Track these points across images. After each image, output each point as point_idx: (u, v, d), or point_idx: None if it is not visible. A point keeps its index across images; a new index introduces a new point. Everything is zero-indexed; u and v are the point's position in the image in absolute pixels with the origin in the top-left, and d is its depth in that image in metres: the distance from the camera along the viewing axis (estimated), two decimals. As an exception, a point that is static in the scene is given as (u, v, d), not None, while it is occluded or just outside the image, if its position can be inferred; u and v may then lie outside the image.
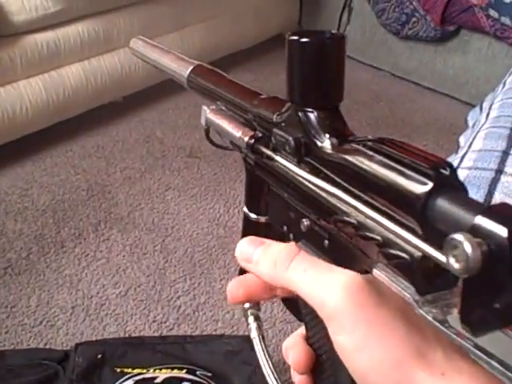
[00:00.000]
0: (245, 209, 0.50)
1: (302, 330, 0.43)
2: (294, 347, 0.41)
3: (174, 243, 1.73)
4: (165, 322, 1.45)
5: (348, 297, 0.33)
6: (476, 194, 1.03)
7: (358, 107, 2.55)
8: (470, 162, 1.14)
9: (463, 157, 1.19)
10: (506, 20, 2.41)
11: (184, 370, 1.20)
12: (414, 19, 2.72)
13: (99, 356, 1.22)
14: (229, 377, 1.21)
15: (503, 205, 0.27)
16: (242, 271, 0.48)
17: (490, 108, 1.50)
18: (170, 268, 1.63)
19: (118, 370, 1.20)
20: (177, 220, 1.82)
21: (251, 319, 0.47)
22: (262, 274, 0.39)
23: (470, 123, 1.78)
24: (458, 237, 0.26)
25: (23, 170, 2.04)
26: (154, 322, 1.46)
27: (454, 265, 0.26)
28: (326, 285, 0.34)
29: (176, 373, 1.19)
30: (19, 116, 2.01)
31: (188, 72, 0.55)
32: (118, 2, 2.28)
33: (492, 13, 2.44)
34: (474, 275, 0.26)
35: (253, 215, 0.49)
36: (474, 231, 0.26)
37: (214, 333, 1.41)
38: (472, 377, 0.31)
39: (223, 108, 0.50)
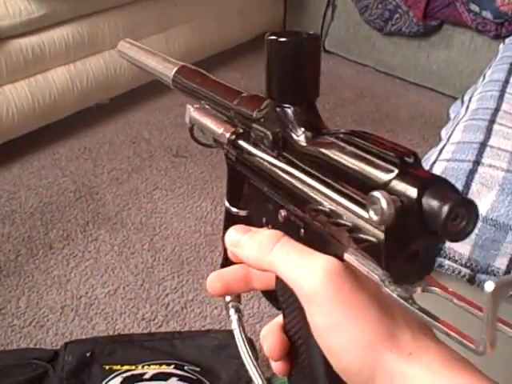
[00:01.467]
0: (226, 203, 0.52)
1: (278, 319, 0.44)
2: (270, 335, 0.42)
3: (161, 242, 1.74)
4: (153, 320, 1.47)
5: (327, 280, 0.34)
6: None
7: (344, 103, 2.57)
8: (449, 154, 1.16)
9: (442, 149, 1.21)
10: (486, 14, 2.44)
11: (172, 366, 1.21)
12: (396, 15, 2.75)
13: (88, 354, 1.24)
14: (217, 371, 1.22)
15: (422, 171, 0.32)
16: (224, 265, 0.51)
17: (469, 101, 1.52)
18: (158, 266, 1.65)
19: (107, 367, 1.21)
20: (164, 219, 1.84)
21: (232, 311, 0.48)
22: (248, 257, 0.41)
23: (452, 116, 1.80)
24: (377, 194, 0.30)
25: (10, 173, 2.05)
26: (143, 319, 1.47)
27: (373, 217, 0.30)
28: (307, 267, 0.36)
29: (164, 368, 1.20)
30: (5, 120, 2.02)
31: (173, 73, 0.57)
32: (102, 4, 2.29)
33: (473, 7, 2.47)
34: (390, 226, 0.30)
35: (234, 209, 0.51)
36: (390, 190, 0.31)
37: (202, 329, 1.43)
38: (438, 353, 0.33)
39: (207, 106, 0.52)
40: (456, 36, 2.67)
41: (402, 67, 2.85)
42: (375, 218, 0.30)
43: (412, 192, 0.30)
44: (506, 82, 1.48)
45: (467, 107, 1.48)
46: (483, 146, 1.16)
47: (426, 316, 0.31)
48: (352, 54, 3.02)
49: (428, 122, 2.48)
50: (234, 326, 0.48)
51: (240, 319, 0.48)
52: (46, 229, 1.78)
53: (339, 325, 0.34)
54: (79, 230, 1.78)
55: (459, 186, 1.04)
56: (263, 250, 0.39)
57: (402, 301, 0.31)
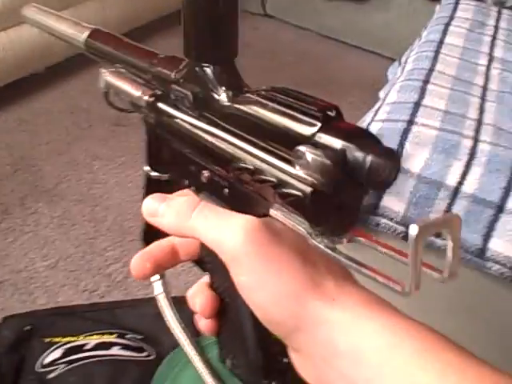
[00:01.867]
0: (146, 168, 0.51)
1: (204, 279, 0.44)
2: (200, 294, 0.42)
3: (103, 212, 1.72)
4: (96, 291, 1.46)
5: (246, 237, 0.35)
6: (388, 145, 1.06)
7: (284, 67, 2.57)
8: (384, 115, 1.17)
9: (378, 110, 1.22)
10: (424, -25, 2.46)
11: (114, 335, 1.20)
12: (336, -22, 2.74)
13: (27, 328, 1.22)
14: (159, 337, 1.22)
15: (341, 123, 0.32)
16: (146, 233, 0.49)
17: (406, 62, 1.54)
18: (99, 237, 1.63)
19: (47, 340, 1.19)
20: (105, 189, 1.81)
21: (156, 277, 0.48)
22: (167, 225, 0.40)
23: (390, 77, 1.82)
24: (302, 148, 0.30)
25: None
26: (86, 291, 1.46)
27: (300, 171, 0.31)
28: (226, 228, 0.36)
29: (106, 338, 1.20)
30: None
31: (85, 36, 0.55)
32: (33, -32, 2.20)
33: (410, -32, 2.48)
34: (317, 181, 0.30)
35: (155, 173, 0.51)
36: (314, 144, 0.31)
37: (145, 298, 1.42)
38: (359, 298, 0.34)
39: (122, 70, 0.51)
40: (395, -2, 2.69)
41: (343, 30, 2.86)
42: (302, 172, 0.31)
43: (336, 144, 0.31)
44: (441, 42, 1.50)
45: (403, 68, 1.49)
46: (417, 105, 1.18)
47: (353, 263, 0.32)
48: (292, 18, 3.01)
49: (368, 84, 2.50)
50: (159, 290, 0.48)
51: (165, 284, 0.48)
52: (-18, 203, 1.73)
53: (262, 280, 0.34)
54: (17, 204, 1.74)
55: (393, 145, 1.05)
56: (182, 217, 0.39)
57: (330, 251, 0.32)
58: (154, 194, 0.43)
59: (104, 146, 2.01)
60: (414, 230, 0.28)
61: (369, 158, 0.30)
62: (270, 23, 2.94)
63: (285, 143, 0.33)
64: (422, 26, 1.97)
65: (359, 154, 0.30)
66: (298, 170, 0.31)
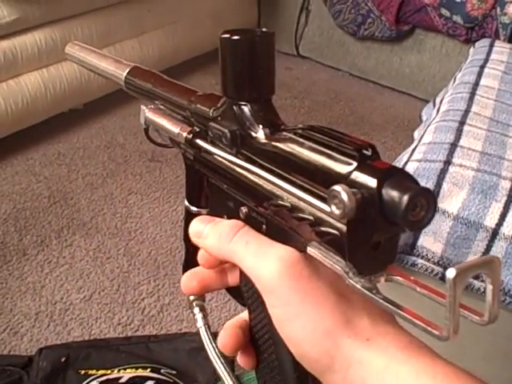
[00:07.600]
0: (186, 202, 0.52)
1: (241, 314, 0.44)
2: (225, 329, 0.42)
3: (137, 246, 1.74)
4: (130, 324, 1.46)
5: (284, 270, 0.35)
6: (425, 185, 1.06)
7: (318, 107, 2.59)
8: (420, 155, 1.17)
9: (414, 150, 1.22)
10: (457, 18, 2.47)
11: (148, 369, 1.21)
12: (369, 20, 2.77)
13: (63, 359, 1.23)
14: (193, 373, 1.22)
15: (380, 162, 0.32)
16: (187, 266, 0.51)
17: (440, 103, 1.55)
18: (133, 271, 1.64)
19: (83, 372, 1.20)
20: (140, 224, 1.83)
21: (196, 310, 0.48)
22: (209, 246, 0.41)
23: (424, 118, 1.83)
24: (337, 188, 0.30)
25: (-17, 179, 2.03)
26: (119, 324, 1.46)
27: (335, 211, 0.30)
28: (265, 257, 0.36)
29: (140, 372, 1.20)
30: (-22, 126, 2.00)
31: (125, 74, 0.57)
32: (75, 9, 2.27)
33: (444, 12, 2.50)
34: (352, 219, 0.30)
35: (194, 208, 0.51)
36: (350, 183, 0.31)
37: (178, 332, 1.42)
38: (395, 339, 0.33)
39: (161, 107, 0.52)
40: (428, 40, 2.71)
41: (376, 71, 2.88)
42: (337, 211, 0.30)
43: (372, 183, 0.30)
44: (476, 84, 1.51)
45: (438, 109, 1.50)
46: (454, 146, 1.18)
47: (390, 305, 0.31)
48: (326, 59, 3.04)
49: (401, 124, 2.51)
50: (200, 324, 0.48)
51: (205, 317, 0.48)
52: (20, 235, 1.76)
53: (297, 314, 0.34)
54: (53, 236, 1.76)
55: (430, 185, 1.05)
56: (223, 240, 0.39)
57: (367, 291, 0.32)
58: (202, 216, 0.44)
59: (139, 181, 2.04)
60: (451, 273, 0.27)
61: (405, 198, 0.29)
62: (303, 64, 2.98)
63: (321, 181, 0.33)
64: (454, 67, 1.98)
65: (395, 194, 0.30)
66: (333, 210, 0.31)
